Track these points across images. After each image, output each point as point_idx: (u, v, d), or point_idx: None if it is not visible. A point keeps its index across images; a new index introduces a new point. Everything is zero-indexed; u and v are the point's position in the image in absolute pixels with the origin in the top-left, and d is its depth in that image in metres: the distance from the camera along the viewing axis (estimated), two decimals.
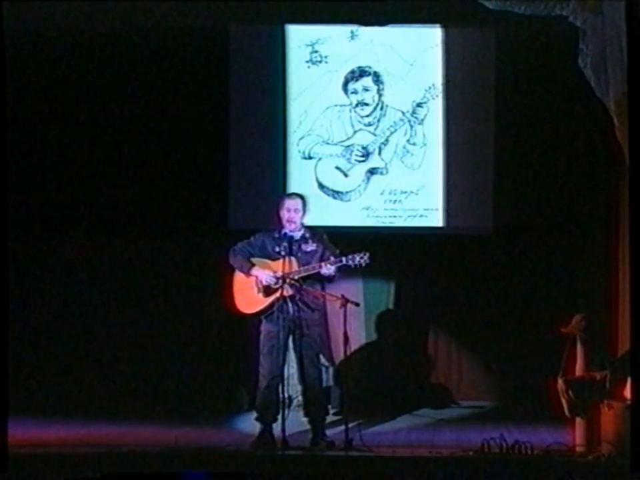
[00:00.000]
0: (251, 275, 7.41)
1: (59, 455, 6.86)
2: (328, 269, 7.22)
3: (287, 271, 7.24)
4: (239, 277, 7.51)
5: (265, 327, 7.43)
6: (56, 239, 9.05)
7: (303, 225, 7.48)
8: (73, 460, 6.72)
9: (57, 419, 8.26)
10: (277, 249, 7.40)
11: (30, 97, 8.87)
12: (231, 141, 9.24)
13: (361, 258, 7.20)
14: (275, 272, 7.32)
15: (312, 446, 7.32)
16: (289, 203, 7.45)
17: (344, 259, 7.23)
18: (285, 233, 7.38)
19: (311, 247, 7.42)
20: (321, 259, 7.37)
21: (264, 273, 7.36)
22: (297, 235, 7.41)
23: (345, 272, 7.40)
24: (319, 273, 7.28)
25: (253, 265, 7.43)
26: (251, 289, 7.42)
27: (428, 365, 9.37)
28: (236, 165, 9.24)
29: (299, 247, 7.39)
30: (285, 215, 7.44)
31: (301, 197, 7.55)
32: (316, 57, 9.26)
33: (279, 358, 7.29)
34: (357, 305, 7.51)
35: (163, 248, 9.14)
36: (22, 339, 8.72)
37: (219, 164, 9.23)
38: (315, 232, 7.51)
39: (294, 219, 7.40)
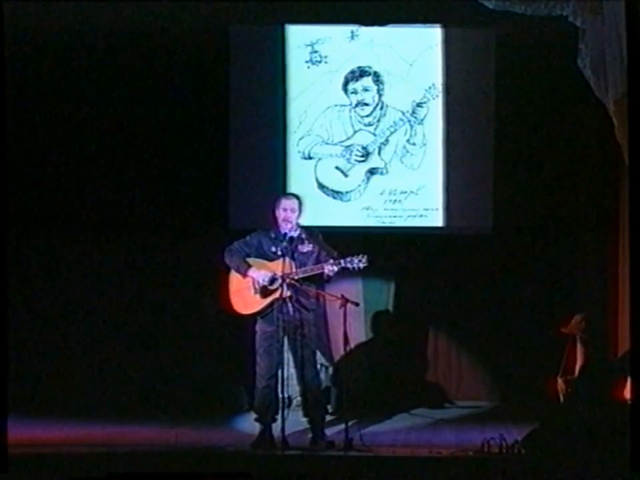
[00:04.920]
0: (247, 276, 7.39)
1: (59, 454, 6.84)
2: (329, 271, 7.21)
3: (285, 271, 7.22)
4: (235, 277, 7.47)
5: (260, 326, 7.40)
6: (56, 238, 9.05)
7: (298, 225, 7.45)
8: (73, 460, 6.71)
9: (56, 419, 8.25)
10: (274, 249, 7.37)
11: (30, 97, 8.87)
12: (231, 141, 9.25)
13: (359, 261, 7.18)
14: (272, 273, 7.30)
15: (312, 446, 7.31)
16: (285, 203, 7.42)
17: (342, 261, 7.21)
18: (282, 233, 7.36)
19: (307, 247, 7.39)
20: (317, 260, 7.34)
21: (261, 273, 7.33)
22: (294, 235, 7.38)
23: (344, 272, 7.39)
24: (318, 274, 7.27)
25: (250, 265, 7.39)
26: (247, 289, 7.38)
27: (428, 365, 9.37)
28: (236, 165, 9.25)
29: (296, 247, 7.35)
30: (281, 214, 7.40)
31: (297, 197, 7.52)
32: (316, 57, 9.26)
33: (277, 358, 7.28)
34: (357, 304, 7.50)
35: (163, 248, 9.14)
36: (22, 338, 8.73)
37: (219, 164, 9.24)
38: (311, 232, 7.47)
39: (290, 218, 7.37)
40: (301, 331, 7.29)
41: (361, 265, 7.19)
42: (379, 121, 9.27)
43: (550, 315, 8.77)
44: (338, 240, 7.66)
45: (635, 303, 6.69)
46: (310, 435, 7.43)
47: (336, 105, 9.31)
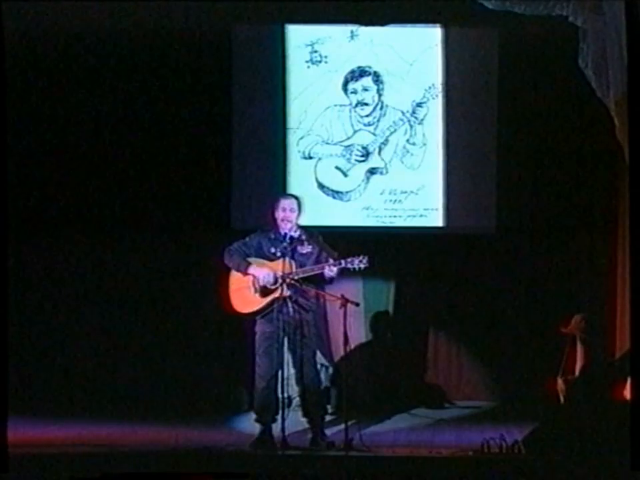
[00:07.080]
0: (248, 274, 7.37)
1: (59, 454, 6.83)
2: (330, 272, 7.20)
3: (285, 271, 7.22)
4: (235, 276, 7.45)
5: (260, 327, 7.39)
6: (56, 239, 9.04)
7: (298, 226, 7.45)
8: (73, 460, 6.70)
9: (56, 418, 8.25)
10: (273, 250, 7.36)
11: (31, 97, 8.87)
12: (232, 140, 9.24)
13: (360, 262, 7.17)
14: (272, 271, 7.29)
15: (311, 446, 7.31)
16: (284, 203, 7.41)
17: (343, 261, 7.20)
18: (281, 234, 7.35)
19: (306, 248, 7.38)
20: (317, 261, 7.33)
21: (262, 271, 7.32)
22: (294, 235, 7.37)
23: (344, 272, 7.38)
24: (318, 274, 7.26)
25: (250, 263, 7.39)
26: (247, 288, 7.36)
27: (428, 365, 9.37)
28: (237, 164, 9.25)
29: (295, 248, 7.34)
30: (280, 214, 7.39)
31: (296, 197, 7.52)
32: (316, 57, 9.27)
33: (277, 358, 7.27)
34: (357, 304, 7.48)
35: (164, 248, 9.14)
36: (22, 338, 8.73)
37: (220, 164, 9.24)
38: (311, 234, 7.46)
39: (289, 217, 7.36)
40: (301, 331, 7.29)
41: (362, 266, 7.17)
42: (378, 120, 9.27)
43: (550, 315, 8.77)
44: (338, 240, 7.66)
45: (635, 303, 6.68)
46: (310, 435, 7.42)
47: (336, 105, 9.31)
